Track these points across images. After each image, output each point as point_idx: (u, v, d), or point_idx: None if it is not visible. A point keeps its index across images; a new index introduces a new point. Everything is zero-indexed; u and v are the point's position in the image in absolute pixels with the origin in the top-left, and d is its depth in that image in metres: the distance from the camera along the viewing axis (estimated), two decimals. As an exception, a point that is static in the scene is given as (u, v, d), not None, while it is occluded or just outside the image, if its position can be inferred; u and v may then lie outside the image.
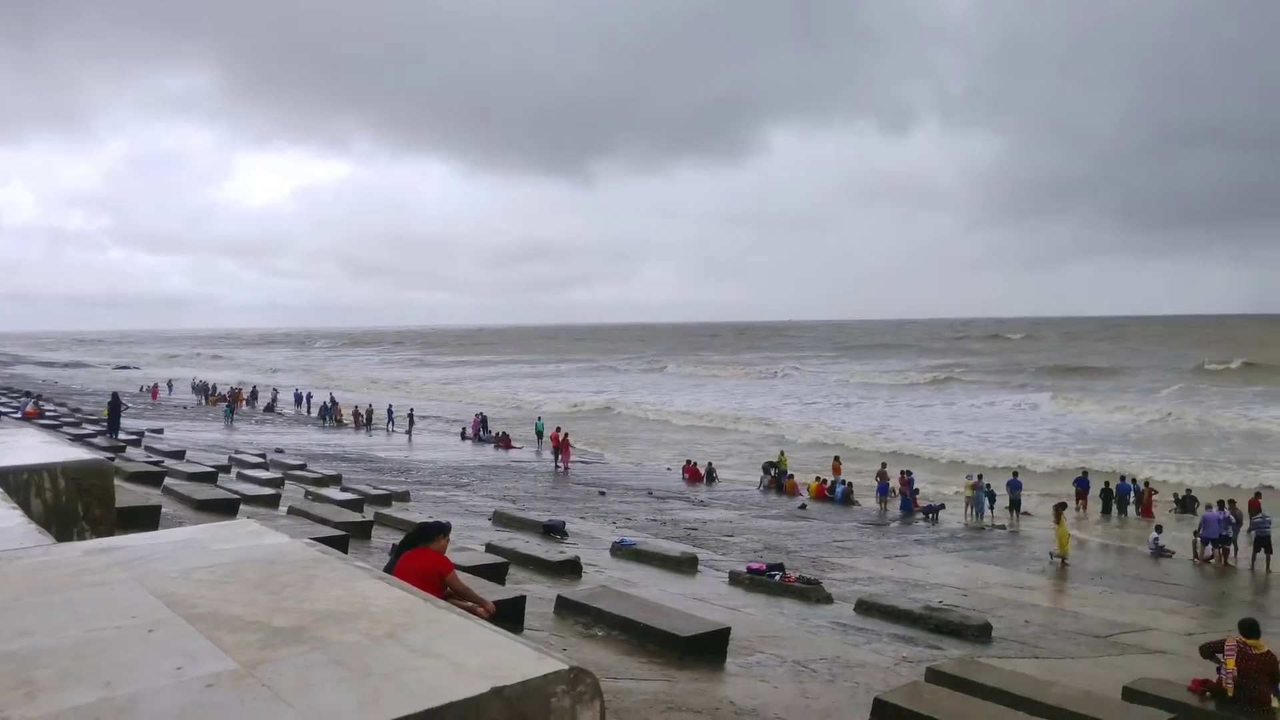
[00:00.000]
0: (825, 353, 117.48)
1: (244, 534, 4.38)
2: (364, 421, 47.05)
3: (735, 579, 15.00)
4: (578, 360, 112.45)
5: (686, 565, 15.70)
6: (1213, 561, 20.68)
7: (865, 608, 13.45)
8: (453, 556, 8.06)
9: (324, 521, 13.73)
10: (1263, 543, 20.11)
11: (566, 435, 34.30)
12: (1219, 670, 9.23)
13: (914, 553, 20.57)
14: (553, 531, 17.68)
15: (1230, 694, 9.02)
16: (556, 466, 32.67)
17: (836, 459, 32.72)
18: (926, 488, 29.52)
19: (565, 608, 9.99)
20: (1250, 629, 9.34)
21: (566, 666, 2.76)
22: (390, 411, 47.42)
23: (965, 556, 20.46)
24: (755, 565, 15.62)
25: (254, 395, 57.95)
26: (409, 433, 43.91)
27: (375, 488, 21.46)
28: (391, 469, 29.25)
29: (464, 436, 42.85)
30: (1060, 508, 21.43)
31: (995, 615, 13.83)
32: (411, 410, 47.56)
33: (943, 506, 26.39)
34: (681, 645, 8.71)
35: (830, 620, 12.65)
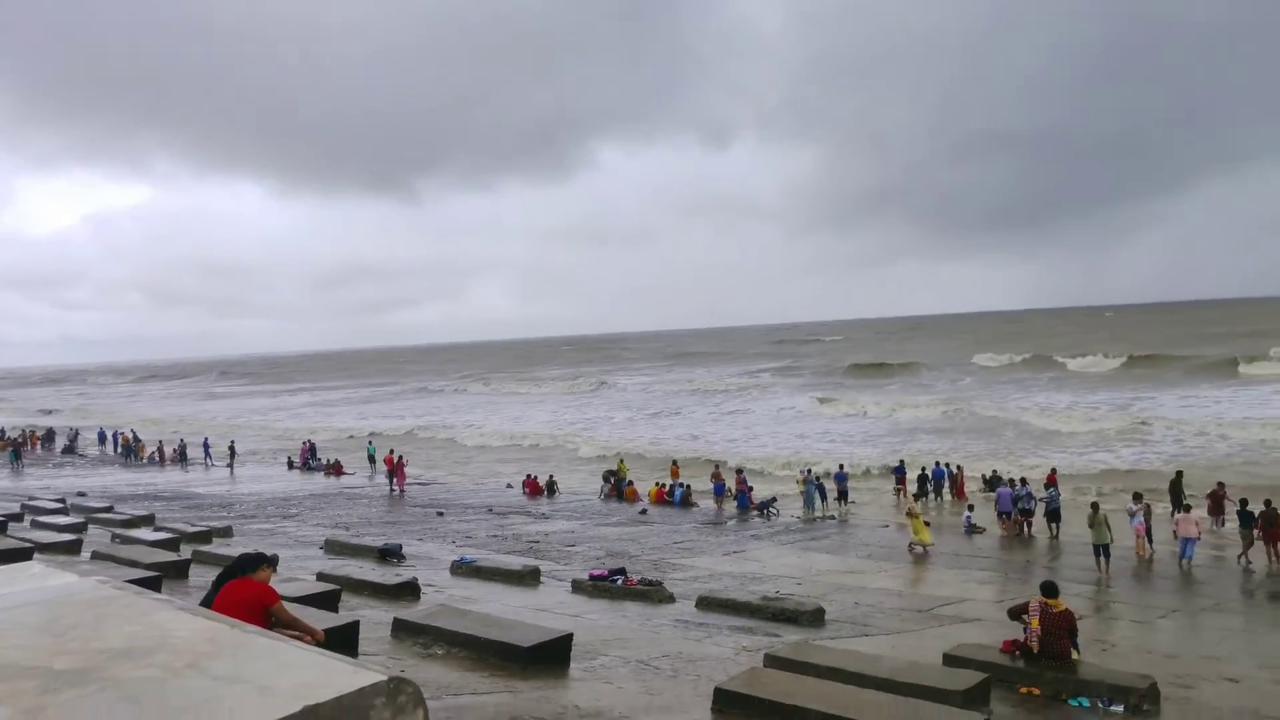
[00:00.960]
0: (656, 362, 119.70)
1: (25, 576, 4.00)
2: (177, 457, 44.08)
3: (578, 587, 14.99)
4: (407, 382, 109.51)
5: (529, 578, 15.55)
6: (1003, 534, 22.36)
7: (706, 603, 13.73)
8: (281, 588, 7.66)
9: (133, 564, 12.73)
10: (1053, 515, 22.01)
11: (401, 458, 33.35)
12: (1025, 630, 9.96)
13: (751, 548, 21.20)
14: (389, 555, 17.13)
15: (1035, 651, 9.75)
16: (391, 490, 31.69)
17: (674, 463, 33.35)
18: (760, 485, 30.53)
19: (403, 629, 9.67)
20: (1049, 590, 10.14)
21: (385, 678, 2.66)
22: (206, 445, 44.65)
23: (799, 547, 21.27)
24: (597, 572, 15.66)
25: (50, 436, 53.24)
26: (230, 466, 41.46)
27: (193, 525, 20.12)
28: (212, 504, 27.53)
29: (291, 466, 40.87)
30: (914, 500, 22.58)
31: (828, 600, 14.42)
32: (232, 442, 44.96)
33: (774, 499, 27.35)
34: (524, 656, 8.61)
35: (672, 619, 12.84)
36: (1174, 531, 19.06)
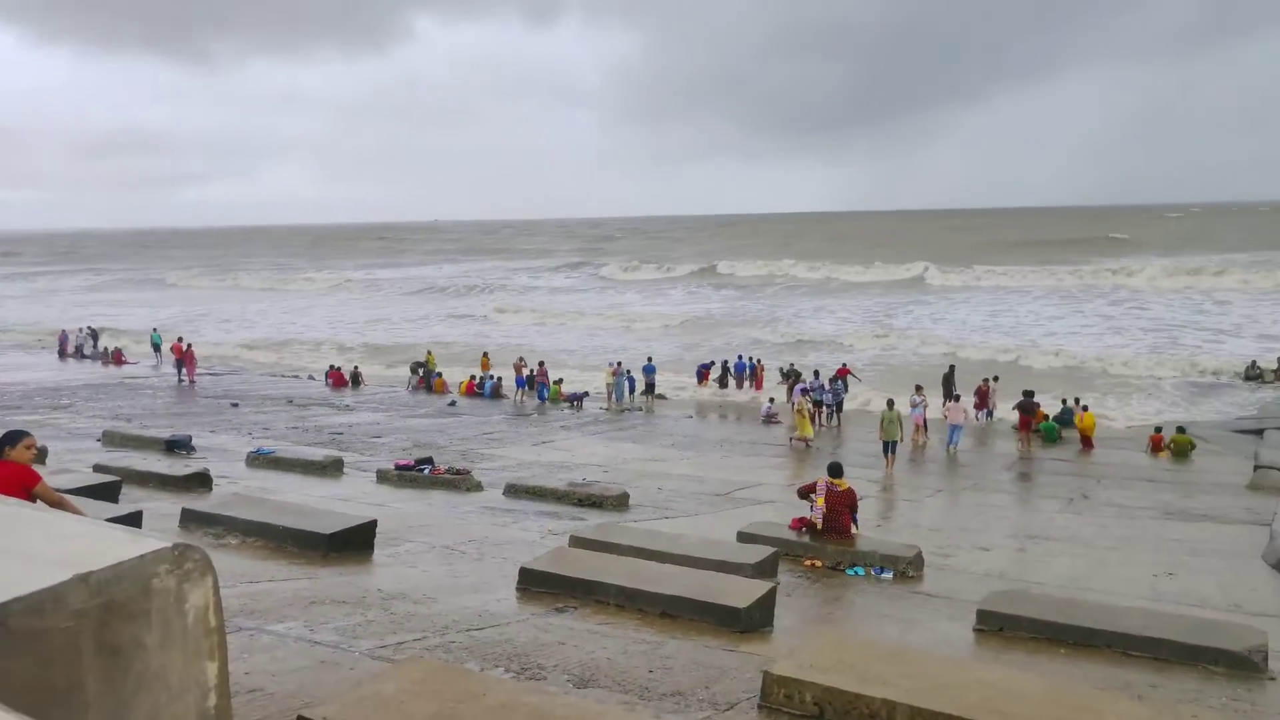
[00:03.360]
0: (477, 255, 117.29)
1: None
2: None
3: (383, 477, 14.77)
4: (196, 266, 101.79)
5: (331, 469, 15.17)
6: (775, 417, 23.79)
7: (514, 491, 13.91)
8: (51, 480, 7.07)
9: None
10: (838, 406, 23.71)
11: (190, 346, 31.22)
12: (812, 508, 10.74)
13: (560, 438, 21.54)
14: (177, 447, 16.18)
15: (820, 527, 10.55)
16: (181, 380, 29.73)
17: (485, 355, 33.07)
18: (570, 376, 30.90)
19: (193, 519, 9.22)
20: (835, 470, 10.94)
21: (169, 545, 2.52)
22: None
23: (607, 438, 21.81)
24: (404, 461, 15.46)
25: None
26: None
27: (-56, 417, 18.19)
28: (-36, 396, 24.91)
29: (63, 354, 37.48)
30: (804, 398, 23.17)
31: (633, 486, 14.92)
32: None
33: (586, 394, 27.83)
34: (325, 543, 8.45)
35: (480, 506, 12.94)
36: (944, 417, 21.00)
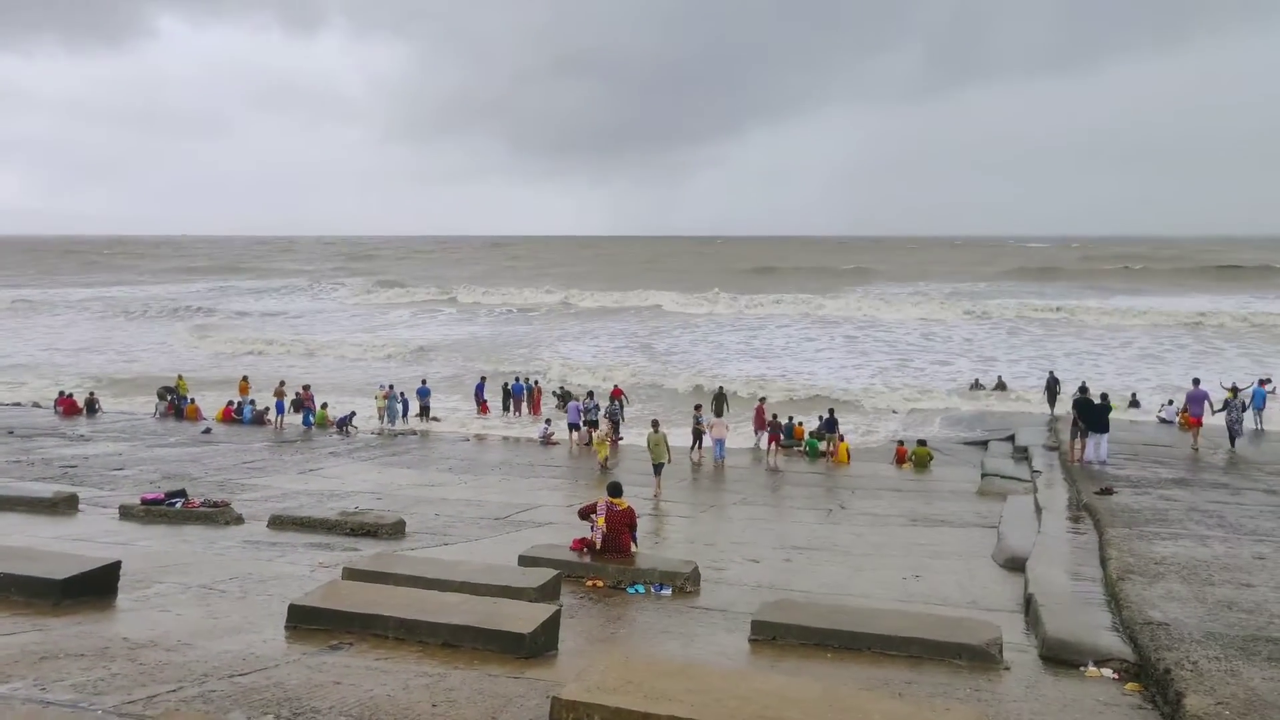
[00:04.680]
0: (217, 274, 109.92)
1: None
2: None
3: (127, 513, 13.43)
4: None
5: (63, 506, 13.62)
6: (576, 442, 24.21)
7: (279, 522, 13.08)
8: None
9: None
10: (616, 424, 24.22)
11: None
12: (593, 529, 10.82)
13: (329, 465, 20.51)
14: None
15: (600, 547, 10.64)
16: None
17: (244, 379, 31.00)
18: (336, 401, 29.55)
19: (-113, 573, 7.92)
20: (614, 490, 11.08)
21: None
22: None
23: (380, 464, 21.00)
24: (152, 495, 14.12)
25: None
26: None
27: None
28: None
29: None
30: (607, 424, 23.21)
31: (409, 513, 14.44)
32: None
33: (353, 414, 26.73)
34: (57, 590, 7.51)
35: (242, 540, 12.04)
36: (709, 429, 22.12)
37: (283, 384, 28.21)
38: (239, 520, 13.35)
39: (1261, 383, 24.43)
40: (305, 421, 26.63)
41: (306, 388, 28.05)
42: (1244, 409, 20.48)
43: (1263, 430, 22.68)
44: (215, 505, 13.75)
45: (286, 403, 27.13)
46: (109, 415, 27.78)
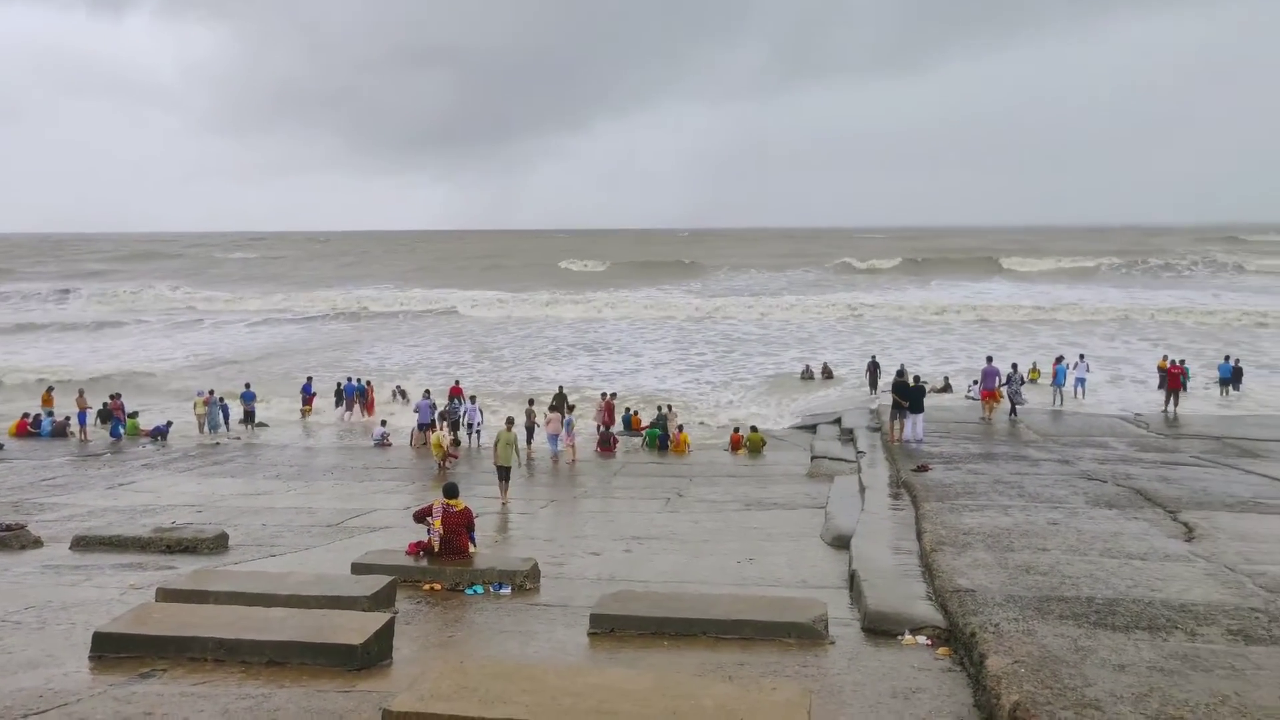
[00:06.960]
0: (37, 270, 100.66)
1: None
2: None
3: (-98, 543, 12.11)
4: None
5: None
6: (414, 443, 23.74)
7: (84, 543, 12.14)
8: None
9: None
10: (470, 426, 23.84)
11: None
12: (429, 531, 10.59)
13: (142, 478, 19.19)
14: None
15: (437, 549, 10.44)
16: None
17: (49, 389, 28.49)
18: (148, 408, 27.70)
19: None
20: (450, 491, 10.87)
21: None
22: None
23: (200, 474, 19.82)
24: (-68, 522, 12.79)
25: None
26: None
27: None
28: None
29: None
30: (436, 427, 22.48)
31: (232, 525, 13.72)
32: None
33: (170, 424, 25.12)
34: None
35: (40, 565, 11.10)
36: (545, 428, 22.23)
37: (82, 393, 26.10)
38: (37, 543, 12.31)
39: (1057, 360, 26.73)
40: (114, 433, 24.77)
41: (115, 396, 26.09)
42: (1022, 383, 23.69)
43: (1063, 407, 24.69)
44: (8, 528, 12.59)
45: (90, 414, 25.16)
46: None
